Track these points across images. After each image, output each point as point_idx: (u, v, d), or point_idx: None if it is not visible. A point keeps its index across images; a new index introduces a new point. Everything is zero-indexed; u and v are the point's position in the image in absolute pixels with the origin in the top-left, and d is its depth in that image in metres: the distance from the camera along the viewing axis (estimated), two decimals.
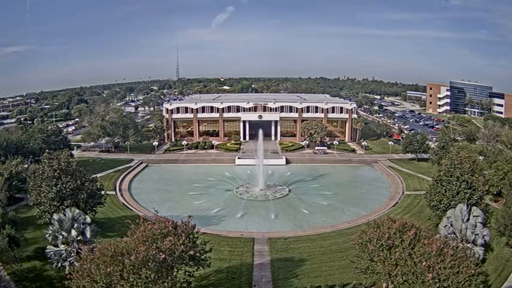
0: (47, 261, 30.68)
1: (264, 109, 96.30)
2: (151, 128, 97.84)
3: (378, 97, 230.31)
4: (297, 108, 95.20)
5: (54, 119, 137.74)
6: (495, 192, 48.64)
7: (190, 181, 63.84)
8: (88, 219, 33.07)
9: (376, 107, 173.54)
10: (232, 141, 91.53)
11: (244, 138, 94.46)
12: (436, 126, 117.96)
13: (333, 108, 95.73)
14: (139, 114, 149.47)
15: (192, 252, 25.31)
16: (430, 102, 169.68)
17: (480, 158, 57.35)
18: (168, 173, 70.70)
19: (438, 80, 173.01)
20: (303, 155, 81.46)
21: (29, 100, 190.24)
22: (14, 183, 48.34)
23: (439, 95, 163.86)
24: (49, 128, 77.48)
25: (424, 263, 22.59)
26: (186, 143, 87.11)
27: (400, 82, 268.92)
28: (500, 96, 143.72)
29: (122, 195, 56.22)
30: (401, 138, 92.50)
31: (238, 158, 76.05)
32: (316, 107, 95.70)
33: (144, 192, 58.54)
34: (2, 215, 33.86)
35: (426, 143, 74.15)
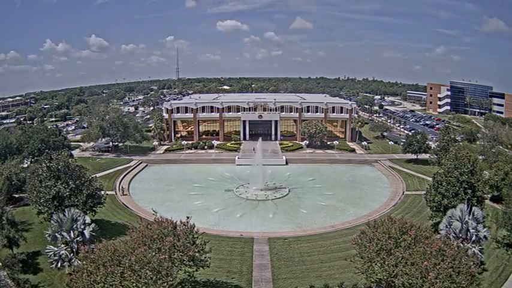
0: (46, 262, 30.57)
1: (264, 109, 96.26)
2: (151, 128, 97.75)
3: (378, 97, 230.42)
4: (297, 108, 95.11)
5: (53, 119, 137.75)
6: (495, 193, 48.56)
7: (190, 181, 63.78)
8: (88, 220, 32.87)
9: (376, 107, 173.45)
10: (232, 141, 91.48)
11: (245, 138, 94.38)
12: (437, 126, 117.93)
13: (333, 108, 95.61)
14: (139, 114, 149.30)
15: (191, 253, 25.21)
16: (431, 102, 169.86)
17: (480, 158, 57.27)
18: (167, 173, 70.51)
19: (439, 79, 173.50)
20: (303, 155, 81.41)
21: (28, 100, 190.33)
22: (13, 183, 48.21)
23: (439, 95, 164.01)
24: (48, 128, 77.39)
25: (424, 263, 22.50)
26: (186, 143, 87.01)
27: (400, 82, 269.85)
28: (501, 96, 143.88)
29: (121, 195, 56.10)
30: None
31: (238, 158, 75.99)
32: (316, 107, 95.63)
33: (143, 192, 58.41)
34: (1, 216, 33.73)
35: (426, 143, 73.99)
